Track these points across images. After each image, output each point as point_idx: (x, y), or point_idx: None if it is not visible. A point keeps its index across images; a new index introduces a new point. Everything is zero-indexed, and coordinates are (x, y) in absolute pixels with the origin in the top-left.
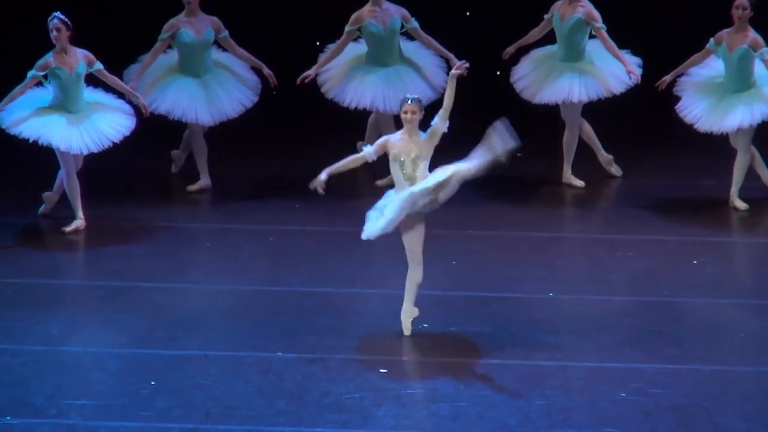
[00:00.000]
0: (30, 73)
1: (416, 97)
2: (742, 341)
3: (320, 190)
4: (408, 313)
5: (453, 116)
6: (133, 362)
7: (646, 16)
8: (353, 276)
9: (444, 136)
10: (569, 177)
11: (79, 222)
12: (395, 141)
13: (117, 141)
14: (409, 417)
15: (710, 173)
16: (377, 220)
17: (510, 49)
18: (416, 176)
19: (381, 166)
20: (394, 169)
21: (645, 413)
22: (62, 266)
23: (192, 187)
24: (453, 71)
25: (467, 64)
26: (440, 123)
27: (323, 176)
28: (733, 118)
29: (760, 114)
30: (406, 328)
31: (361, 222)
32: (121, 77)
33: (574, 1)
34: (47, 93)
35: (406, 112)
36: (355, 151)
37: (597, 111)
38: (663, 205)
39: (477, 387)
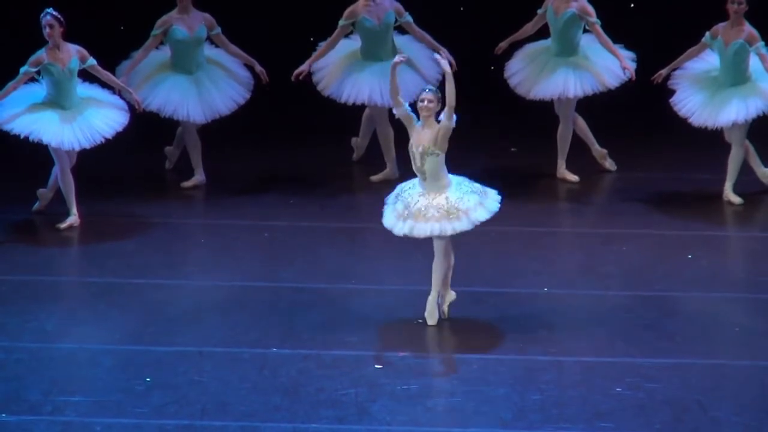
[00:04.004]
0: (23, 69)
1: (435, 88)
2: (736, 335)
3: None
4: (444, 299)
5: (439, 113)
6: (128, 358)
7: (641, 10)
8: (348, 271)
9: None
10: (563, 171)
11: (74, 218)
12: (414, 127)
13: (109, 137)
14: (404, 412)
15: (705, 167)
16: (388, 212)
17: (503, 44)
18: (425, 170)
19: (376, 162)
20: (411, 159)
21: (639, 407)
22: (57, 262)
23: (186, 184)
24: (444, 68)
25: (449, 58)
26: (446, 121)
27: (396, 68)
28: (728, 112)
29: (755, 108)
30: (431, 316)
31: (355, 218)
32: (113, 73)
33: None
34: (41, 89)
35: (422, 101)
36: (349, 147)
37: (591, 105)
38: (657, 199)
39: (472, 382)
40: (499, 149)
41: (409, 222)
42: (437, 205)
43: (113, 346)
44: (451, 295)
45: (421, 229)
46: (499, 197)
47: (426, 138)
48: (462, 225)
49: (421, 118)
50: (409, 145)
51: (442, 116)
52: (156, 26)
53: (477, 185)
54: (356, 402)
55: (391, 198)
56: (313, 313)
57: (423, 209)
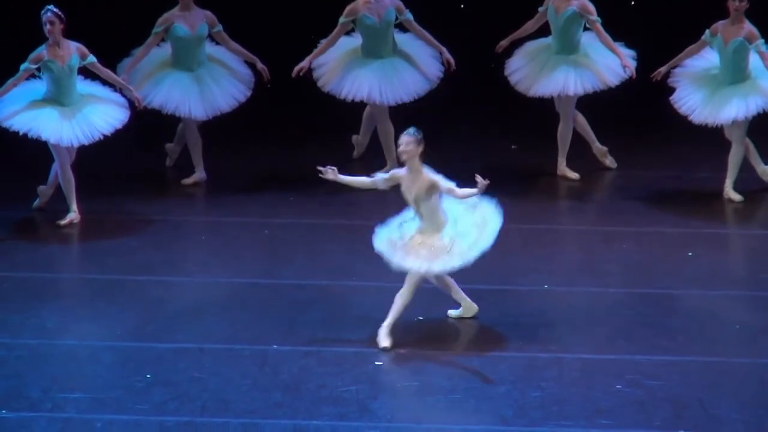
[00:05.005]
0: (23, 66)
1: (414, 130)
2: (736, 333)
3: (327, 176)
4: (468, 310)
5: (447, 106)
6: (128, 355)
7: (641, 8)
8: (348, 268)
9: (438, 130)
10: (564, 169)
11: (74, 215)
12: (400, 175)
13: (108, 134)
14: (404, 409)
15: (705, 165)
16: (383, 238)
17: (504, 42)
18: (423, 213)
19: (377, 159)
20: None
21: (639, 404)
22: (57, 259)
23: (187, 181)
24: (480, 185)
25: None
26: (443, 190)
27: (337, 177)
28: (728, 110)
29: (755, 106)
30: (384, 339)
31: (356, 215)
32: (114, 71)
33: None
34: (41, 86)
35: (400, 145)
36: (350, 144)
37: (592, 103)
38: (658, 196)
39: (472, 379)
40: (499, 147)
41: (399, 254)
42: (430, 244)
43: (113, 342)
44: (471, 306)
45: (408, 263)
46: (499, 224)
47: (416, 186)
48: (453, 263)
49: (406, 164)
50: (401, 191)
51: (444, 184)
52: (157, 24)
53: (478, 214)
54: (357, 399)
55: (394, 223)
56: (314, 310)
57: (417, 246)
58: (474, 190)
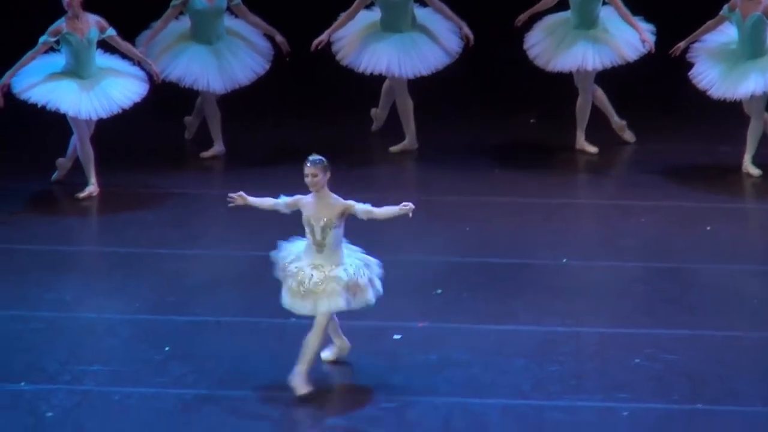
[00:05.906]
0: (41, 39)
1: (318, 158)
2: (755, 307)
3: (237, 203)
4: (342, 350)
5: (458, 85)
6: (147, 328)
7: None
8: (366, 242)
9: (449, 104)
10: (582, 143)
11: (92, 188)
12: (306, 202)
13: (126, 107)
14: (423, 383)
15: (724, 139)
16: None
17: (523, 17)
18: (325, 243)
19: (395, 133)
20: (306, 231)
21: (657, 379)
22: (75, 233)
23: (205, 154)
24: (404, 208)
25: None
26: (359, 213)
27: (246, 201)
28: (746, 84)
29: None
30: (301, 387)
31: (371, 189)
32: (133, 44)
33: None
34: (60, 58)
35: (306, 175)
36: (369, 118)
37: (610, 77)
38: (676, 171)
39: (490, 353)
40: (518, 121)
41: (309, 300)
42: (336, 277)
43: (132, 315)
44: (345, 344)
45: (325, 305)
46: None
47: (326, 211)
48: (358, 303)
49: (312, 192)
50: (305, 218)
51: (359, 207)
52: None
53: (360, 253)
54: (376, 372)
55: (278, 274)
56: None
57: (320, 283)
58: (395, 209)
